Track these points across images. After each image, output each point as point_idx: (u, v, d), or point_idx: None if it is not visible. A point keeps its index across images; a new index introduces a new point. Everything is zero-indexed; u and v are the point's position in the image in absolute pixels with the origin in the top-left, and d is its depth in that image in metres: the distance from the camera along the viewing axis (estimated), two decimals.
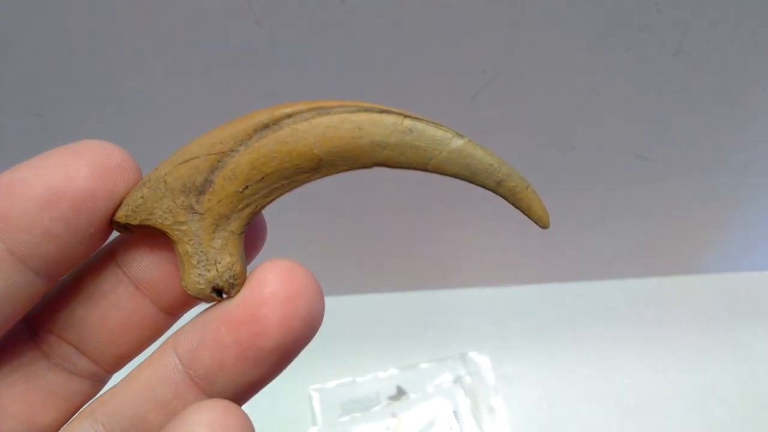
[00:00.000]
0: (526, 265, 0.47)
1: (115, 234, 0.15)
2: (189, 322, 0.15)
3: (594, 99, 0.33)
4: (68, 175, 0.12)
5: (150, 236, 0.14)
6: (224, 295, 0.14)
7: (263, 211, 0.15)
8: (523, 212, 0.15)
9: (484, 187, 0.14)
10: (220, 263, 0.14)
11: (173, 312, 0.15)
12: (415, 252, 0.44)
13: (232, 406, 0.12)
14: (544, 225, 0.15)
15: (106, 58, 0.28)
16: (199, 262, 0.14)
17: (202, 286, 0.14)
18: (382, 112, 0.14)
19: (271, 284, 0.13)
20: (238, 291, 0.14)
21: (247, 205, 0.14)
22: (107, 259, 0.15)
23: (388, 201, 0.39)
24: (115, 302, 0.14)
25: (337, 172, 0.14)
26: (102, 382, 0.15)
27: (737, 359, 0.46)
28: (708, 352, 0.46)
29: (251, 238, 0.15)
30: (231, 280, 0.14)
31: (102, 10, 0.26)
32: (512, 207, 0.15)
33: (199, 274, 0.14)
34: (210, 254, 0.14)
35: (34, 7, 0.26)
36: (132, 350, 0.15)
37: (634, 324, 0.47)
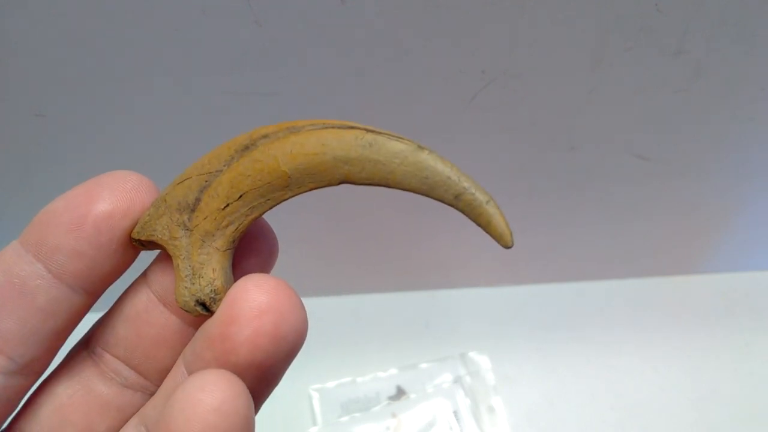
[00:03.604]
0: (526, 265, 0.47)
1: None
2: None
3: (594, 99, 0.33)
4: (90, 201, 0.14)
5: (169, 255, 0.15)
6: (209, 311, 0.15)
7: (276, 231, 0.16)
8: (483, 229, 0.14)
9: (443, 201, 0.14)
10: (202, 278, 0.15)
11: (197, 326, 0.16)
12: (415, 252, 0.45)
13: (227, 373, 0.13)
14: (505, 244, 0.14)
15: (107, 57, 0.28)
16: (186, 276, 0.15)
17: (187, 299, 0.15)
18: (347, 128, 0.14)
19: (239, 301, 0.14)
20: (219, 306, 0.14)
21: (230, 223, 0.15)
22: (141, 281, 0.16)
23: (387, 200, 0.39)
24: (147, 320, 0.16)
25: (306, 190, 0.14)
26: (152, 394, 0.16)
27: (737, 359, 0.46)
28: (708, 352, 0.46)
29: (259, 256, 0.16)
30: (212, 295, 0.15)
31: (102, 9, 0.26)
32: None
33: (185, 287, 0.15)
34: (195, 268, 0.15)
35: (34, 7, 0.26)
36: (170, 363, 0.16)
37: (634, 324, 0.47)
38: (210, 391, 0.12)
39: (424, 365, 0.43)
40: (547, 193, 0.40)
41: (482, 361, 0.44)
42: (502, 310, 0.47)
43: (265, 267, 0.16)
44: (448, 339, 0.45)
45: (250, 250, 0.16)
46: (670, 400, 0.43)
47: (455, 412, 0.41)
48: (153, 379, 0.16)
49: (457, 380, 0.42)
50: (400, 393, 0.42)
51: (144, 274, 0.16)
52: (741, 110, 0.35)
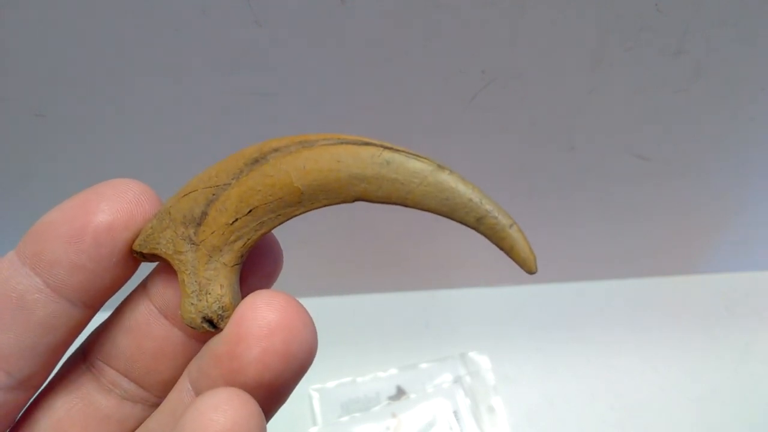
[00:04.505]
0: None
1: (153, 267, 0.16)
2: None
3: (594, 99, 0.33)
4: (89, 213, 0.14)
5: (171, 268, 0.15)
6: (217, 328, 0.14)
7: (275, 231, 0.15)
8: (506, 254, 0.14)
9: (465, 224, 0.14)
10: (210, 294, 0.14)
11: (202, 339, 0.16)
12: (415, 252, 0.44)
13: (240, 392, 0.13)
14: (529, 269, 0.13)
15: (107, 57, 0.28)
16: (192, 292, 0.14)
17: (194, 315, 0.14)
18: (362, 144, 0.14)
19: (248, 319, 0.13)
20: (227, 324, 0.14)
21: (239, 238, 0.14)
22: (141, 292, 0.16)
23: None
24: (148, 332, 0.15)
25: (319, 206, 0.14)
26: (154, 406, 0.16)
27: (737, 359, 0.46)
28: (708, 352, 0.46)
29: (263, 270, 0.16)
30: (220, 312, 0.14)
31: (102, 9, 0.26)
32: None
33: (192, 304, 0.14)
34: (202, 284, 0.14)
35: (34, 7, 0.26)
36: (172, 376, 0.16)
37: (634, 324, 0.47)
38: (223, 411, 0.12)
39: (424, 365, 0.43)
40: (547, 193, 0.40)
41: (482, 361, 0.44)
42: (502, 310, 0.47)
43: (269, 281, 0.16)
44: (448, 339, 0.45)
45: (255, 265, 0.16)
46: (670, 400, 0.43)
47: (455, 412, 0.41)
48: (154, 391, 0.16)
49: (457, 380, 0.42)
50: (400, 393, 0.42)
51: (143, 285, 0.16)
52: (741, 110, 0.35)
